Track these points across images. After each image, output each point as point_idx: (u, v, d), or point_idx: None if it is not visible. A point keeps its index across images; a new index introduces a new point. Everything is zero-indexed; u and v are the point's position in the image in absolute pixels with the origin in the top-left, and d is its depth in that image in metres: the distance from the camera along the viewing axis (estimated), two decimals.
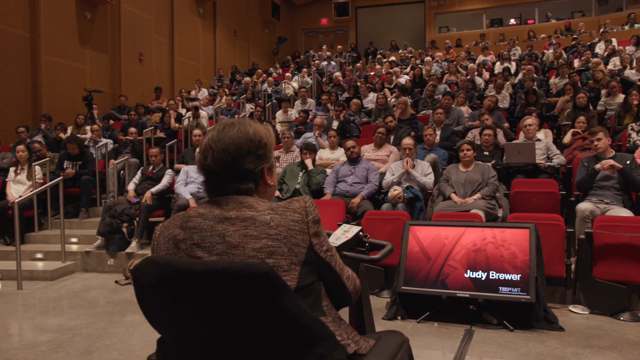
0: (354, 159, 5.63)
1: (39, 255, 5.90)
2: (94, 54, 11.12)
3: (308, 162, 5.78)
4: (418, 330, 3.54)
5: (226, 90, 12.87)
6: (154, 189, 6.12)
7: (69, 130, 9.35)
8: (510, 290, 3.51)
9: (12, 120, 9.19)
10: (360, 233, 1.73)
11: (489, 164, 5.37)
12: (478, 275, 3.63)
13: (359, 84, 11.32)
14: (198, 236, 1.22)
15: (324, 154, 6.71)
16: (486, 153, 5.83)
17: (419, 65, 12.63)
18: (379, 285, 4.50)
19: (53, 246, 6.04)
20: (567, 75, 9.05)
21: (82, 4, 10.69)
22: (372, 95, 10.11)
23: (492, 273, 3.60)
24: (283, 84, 12.50)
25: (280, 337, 1.02)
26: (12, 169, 6.78)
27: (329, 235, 1.84)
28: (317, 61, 15.51)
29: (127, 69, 11.92)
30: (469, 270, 3.67)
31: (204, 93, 12.77)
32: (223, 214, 1.23)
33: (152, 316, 1.10)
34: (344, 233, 1.74)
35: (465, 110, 8.11)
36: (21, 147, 6.76)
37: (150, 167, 6.51)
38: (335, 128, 8.12)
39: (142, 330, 3.61)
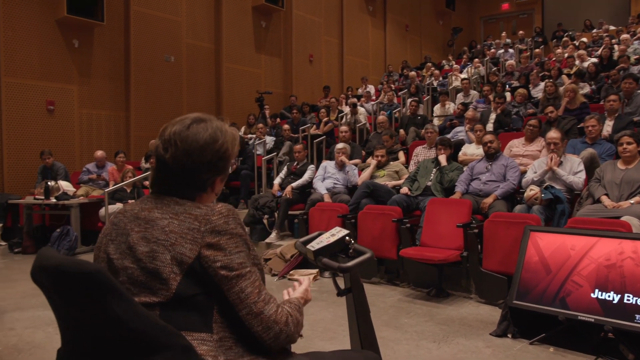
0: (491, 155, 5.09)
1: None
2: (268, 58, 12.13)
3: (441, 158, 5.41)
4: (528, 353, 3.04)
5: (392, 85, 12.82)
6: (294, 184, 6.41)
7: (243, 129, 10.39)
8: None
9: None
10: (347, 238, 1.55)
11: None
12: (609, 297, 2.96)
13: (535, 71, 10.19)
14: (115, 232, 1.23)
15: (469, 150, 6.22)
16: None
17: (614, 45, 10.82)
18: (501, 296, 3.99)
19: None
20: None
21: (258, 14, 11.74)
22: (543, 84, 8.99)
23: (628, 296, 2.89)
24: (450, 77, 11.94)
25: (112, 341, 0.96)
26: None
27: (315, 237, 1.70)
28: (492, 50, 14.44)
29: (298, 70, 12.72)
30: (597, 290, 3.01)
31: (370, 90, 12.92)
32: (138, 213, 1.22)
33: None
34: (328, 237, 1.58)
35: None
36: None
37: (295, 163, 6.84)
38: (492, 121, 7.49)
39: None
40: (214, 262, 1.13)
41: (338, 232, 1.58)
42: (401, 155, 6.86)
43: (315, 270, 5.19)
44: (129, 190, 7.03)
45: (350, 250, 1.54)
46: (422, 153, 6.49)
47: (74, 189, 7.23)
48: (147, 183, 7.33)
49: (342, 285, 1.64)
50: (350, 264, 1.46)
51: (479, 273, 4.12)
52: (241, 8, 11.43)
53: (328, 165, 6.39)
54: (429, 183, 5.31)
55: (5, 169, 8.20)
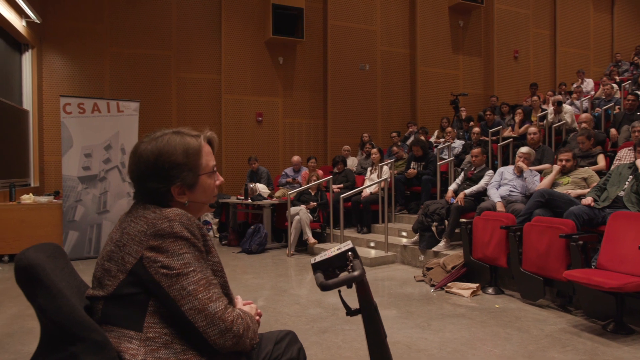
0: None
1: (372, 244, 6.81)
2: (467, 58, 11.62)
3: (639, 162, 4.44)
4: None
5: (616, 77, 10.97)
6: (468, 190, 6.04)
7: (436, 133, 10.19)
8: None
9: (394, 126, 10.72)
10: (349, 253, 1.44)
11: None
12: None
13: None
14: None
15: None
16: None
17: None
18: None
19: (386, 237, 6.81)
20: None
21: (455, 13, 11.36)
22: None
23: None
24: None
25: (43, 330, 1.11)
26: (369, 169, 8.02)
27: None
28: None
29: (500, 68, 11.88)
30: None
31: (588, 84, 11.30)
32: (122, 216, 1.37)
33: None
34: (334, 250, 1.48)
35: None
36: (375, 149, 7.90)
37: (472, 168, 6.42)
38: None
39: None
40: (154, 262, 1.19)
41: (345, 246, 1.48)
42: (601, 159, 5.84)
43: (475, 285, 4.81)
44: (313, 193, 7.56)
45: (349, 267, 1.43)
46: (626, 156, 5.43)
47: (269, 191, 8.09)
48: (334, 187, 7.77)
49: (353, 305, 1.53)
50: (330, 281, 1.36)
51: None
52: (437, 10, 11.22)
53: (505, 170, 5.83)
54: (621, 193, 4.41)
55: (224, 173, 9.65)
